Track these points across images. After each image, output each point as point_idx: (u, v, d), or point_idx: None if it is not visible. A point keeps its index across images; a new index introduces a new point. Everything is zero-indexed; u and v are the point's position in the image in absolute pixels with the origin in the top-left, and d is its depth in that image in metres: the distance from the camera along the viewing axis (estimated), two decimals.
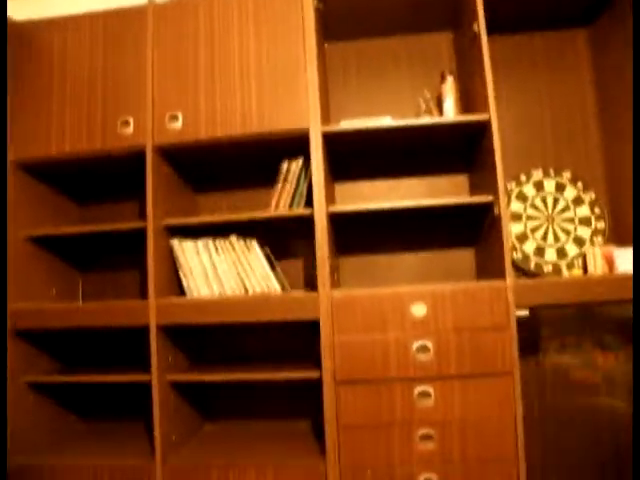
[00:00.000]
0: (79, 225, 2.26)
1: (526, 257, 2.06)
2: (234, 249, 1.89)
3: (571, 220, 2.08)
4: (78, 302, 2.25)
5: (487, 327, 1.62)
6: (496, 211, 1.70)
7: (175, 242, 1.89)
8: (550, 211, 2.09)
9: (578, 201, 2.08)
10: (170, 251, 1.91)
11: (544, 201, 2.10)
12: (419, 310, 1.64)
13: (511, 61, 2.18)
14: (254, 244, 1.91)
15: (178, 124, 1.81)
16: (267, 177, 2.20)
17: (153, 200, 1.80)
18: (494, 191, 1.71)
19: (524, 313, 1.64)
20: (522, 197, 2.10)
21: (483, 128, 1.79)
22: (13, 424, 1.79)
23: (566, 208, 2.09)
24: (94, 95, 1.88)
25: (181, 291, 1.93)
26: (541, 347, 2.03)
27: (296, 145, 1.88)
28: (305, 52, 1.80)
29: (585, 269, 2.00)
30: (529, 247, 2.07)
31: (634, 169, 1.79)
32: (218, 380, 1.83)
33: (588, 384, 2.01)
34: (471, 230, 2.09)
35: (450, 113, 1.92)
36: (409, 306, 1.65)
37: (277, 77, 1.80)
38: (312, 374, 1.71)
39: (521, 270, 2.06)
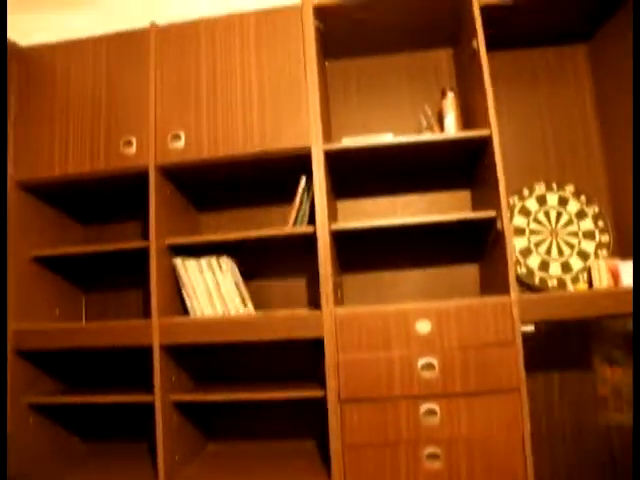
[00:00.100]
0: (82, 245, 2.26)
1: (530, 272, 2.05)
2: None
3: (575, 234, 2.07)
4: (81, 322, 2.25)
5: (492, 343, 1.61)
6: (499, 226, 1.69)
7: (178, 261, 1.89)
8: (553, 225, 2.09)
9: (581, 214, 2.08)
10: (173, 270, 1.91)
11: (547, 215, 2.09)
12: (424, 327, 1.63)
13: (511, 76, 2.20)
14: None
15: (180, 144, 1.83)
16: (269, 196, 2.21)
17: (156, 219, 1.80)
18: (497, 206, 1.71)
19: (530, 328, 1.63)
20: (525, 212, 2.10)
21: (484, 143, 1.80)
22: (15, 445, 1.77)
23: (569, 222, 2.08)
24: (97, 116, 1.90)
25: (184, 310, 1.93)
26: (548, 363, 2.02)
27: (298, 163, 1.89)
28: (306, 71, 1.82)
29: (590, 283, 1.99)
30: (533, 262, 2.06)
31: (634, 180, 1.79)
32: (221, 400, 1.82)
33: (597, 399, 1.98)
34: (475, 246, 2.08)
35: (451, 129, 1.92)
36: (413, 323, 1.63)
37: (278, 96, 1.82)
38: (316, 393, 1.69)
39: (526, 285, 2.05)
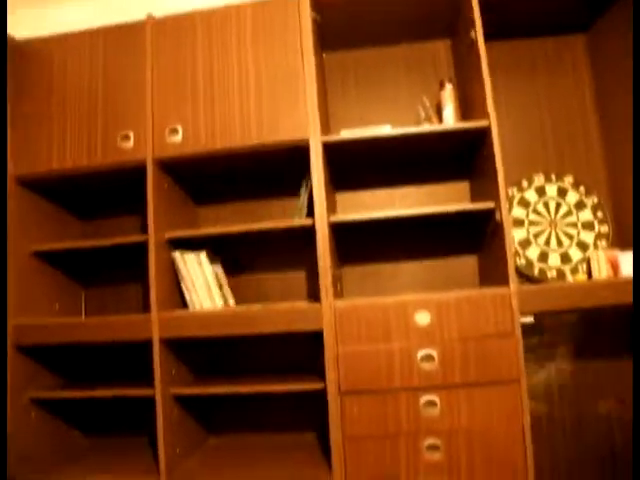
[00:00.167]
0: (81, 240, 2.26)
1: (530, 263, 2.05)
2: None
3: (574, 225, 2.07)
4: (81, 317, 2.25)
5: (492, 334, 1.61)
6: (498, 217, 1.69)
7: (177, 254, 1.89)
8: (552, 216, 2.08)
9: (580, 205, 2.07)
10: (172, 264, 1.91)
11: (546, 206, 2.09)
12: (423, 319, 1.63)
13: (510, 67, 2.19)
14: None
15: (178, 137, 1.82)
16: (268, 188, 2.21)
17: (154, 213, 1.80)
18: (495, 197, 1.70)
19: (529, 319, 1.63)
20: (524, 203, 2.09)
21: (483, 134, 1.79)
22: (16, 440, 1.78)
23: (569, 213, 2.08)
24: (94, 110, 1.89)
25: (184, 304, 1.93)
26: (548, 354, 2.02)
27: (296, 156, 1.88)
28: (303, 62, 1.81)
29: (589, 274, 1.99)
30: (532, 253, 2.06)
31: (634, 171, 1.78)
32: (222, 393, 1.82)
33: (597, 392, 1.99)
34: (473, 237, 2.08)
35: (450, 120, 1.92)
36: (413, 315, 1.63)
37: (276, 88, 1.81)
38: (316, 385, 1.69)
39: (525, 276, 2.05)
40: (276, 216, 2.18)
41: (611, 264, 1.86)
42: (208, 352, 2.16)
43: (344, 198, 2.18)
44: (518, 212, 2.09)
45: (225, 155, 1.85)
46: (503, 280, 1.67)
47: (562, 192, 2.09)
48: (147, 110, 1.85)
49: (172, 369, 1.83)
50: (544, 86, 2.17)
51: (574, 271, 2.03)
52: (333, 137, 1.79)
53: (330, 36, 2.13)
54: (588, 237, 2.05)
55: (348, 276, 2.14)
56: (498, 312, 1.61)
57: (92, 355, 2.24)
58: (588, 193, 2.07)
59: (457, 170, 2.14)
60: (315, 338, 1.75)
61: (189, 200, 2.17)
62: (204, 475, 1.72)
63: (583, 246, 2.04)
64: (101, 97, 1.90)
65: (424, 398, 1.60)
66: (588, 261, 2.02)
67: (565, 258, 2.05)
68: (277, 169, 2.10)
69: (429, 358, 1.61)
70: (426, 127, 1.77)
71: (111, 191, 2.22)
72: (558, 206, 2.08)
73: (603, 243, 2.03)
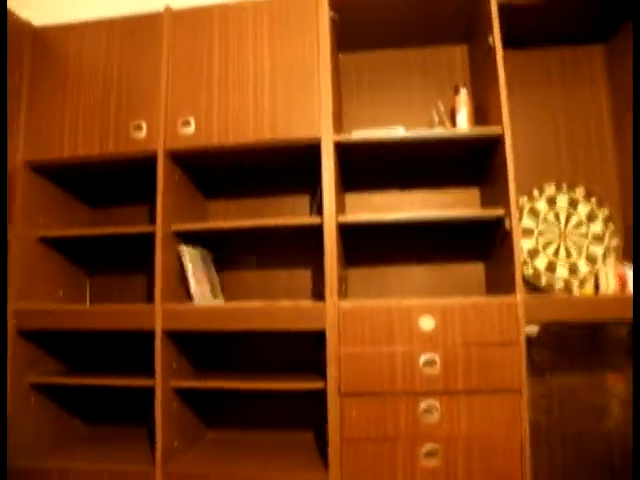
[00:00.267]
0: (90, 227, 2.26)
1: (537, 273, 2.03)
2: None
3: (584, 236, 2.05)
4: (85, 304, 2.25)
5: (496, 343, 1.60)
6: (507, 225, 1.68)
7: (183, 247, 1.89)
8: (563, 227, 2.07)
9: (591, 217, 2.06)
10: (178, 256, 1.91)
11: (557, 217, 2.08)
12: (427, 323, 1.62)
13: (526, 75, 2.17)
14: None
15: (190, 129, 1.82)
16: (278, 185, 2.20)
17: (163, 205, 1.80)
18: (506, 205, 1.69)
19: (534, 329, 1.62)
20: (534, 212, 2.08)
21: (496, 141, 1.78)
22: (15, 425, 1.78)
23: (579, 224, 2.06)
24: (108, 99, 1.90)
25: (189, 297, 1.93)
26: (550, 366, 2.00)
27: (308, 154, 1.88)
28: (319, 61, 1.80)
29: (597, 287, 1.97)
30: (540, 263, 2.04)
31: (634, 184, 1.77)
32: (221, 387, 1.81)
33: (597, 405, 1.97)
34: (482, 244, 2.07)
35: (463, 126, 1.90)
36: (417, 319, 1.62)
37: (291, 86, 1.80)
38: (317, 385, 1.69)
39: (532, 286, 2.03)
40: (285, 214, 2.18)
41: (619, 279, 1.85)
42: (210, 346, 2.16)
43: (353, 199, 2.17)
44: (528, 221, 2.07)
45: (237, 150, 1.85)
46: (510, 289, 1.66)
47: (573, 203, 2.07)
48: (161, 101, 1.85)
49: (173, 362, 1.83)
50: (560, 96, 2.15)
51: (582, 283, 2.01)
52: (345, 137, 1.79)
53: (347, 36, 2.12)
54: (598, 250, 2.03)
55: (353, 277, 2.14)
56: (503, 320, 1.60)
57: (95, 343, 2.24)
58: (600, 205, 2.05)
59: (468, 176, 2.12)
60: (318, 337, 1.75)
61: (199, 193, 2.17)
62: (199, 468, 1.72)
63: (592, 259, 2.03)
64: (115, 86, 1.90)
65: (424, 403, 1.59)
66: (596, 274, 2.00)
67: (573, 270, 2.03)
68: (288, 166, 2.10)
69: (431, 363, 1.60)
70: (439, 131, 1.76)
71: (122, 180, 2.22)
72: (569, 217, 2.07)
73: (613, 257, 2.01)
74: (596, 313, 1.60)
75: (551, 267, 2.04)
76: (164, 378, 1.75)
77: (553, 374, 2.00)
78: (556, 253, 2.05)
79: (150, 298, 2.21)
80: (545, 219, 2.07)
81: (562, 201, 2.08)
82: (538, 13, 1.93)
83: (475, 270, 2.08)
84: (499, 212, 1.71)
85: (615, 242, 2.02)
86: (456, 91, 1.96)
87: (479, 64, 2.00)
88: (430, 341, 1.61)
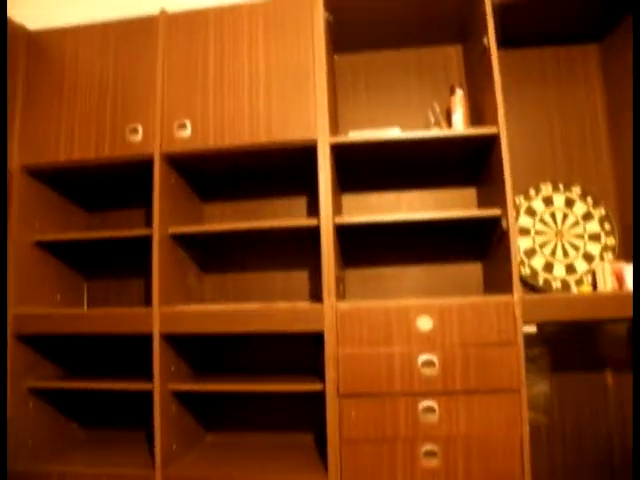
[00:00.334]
0: (86, 231, 2.26)
1: (534, 272, 2.04)
2: None
3: (580, 236, 2.05)
4: (83, 308, 2.25)
5: (494, 342, 1.60)
6: (504, 225, 1.68)
7: None
8: (559, 226, 2.07)
9: (588, 217, 2.06)
10: (175, 259, 1.90)
11: (553, 216, 2.08)
12: (425, 324, 1.62)
13: (521, 75, 2.18)
14: None
15: (186, 132, 1.82)
16: (274, 187, 2.20)
17: (160, 208, 1.80)
18: (502, 205, 1.69)
19: (532, 329, 1.62)
20: (531, 212, 2.08)
21: (492, 141, 1.78)
22: (14, 429, 1.77)
23: (576, 223, 2.07)
24: (104, 103, 1.89)
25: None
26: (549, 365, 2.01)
27: (304, 155, 1.88)
28: (314, 63, 1.80)
29: (594, 286, 1.98)
30: (537, 262, 2.05)
31: (634, 183, 1.78)
32: (219, 390, 1.81)
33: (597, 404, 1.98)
34: (479, 244, 2.07)
35: (459, 126, 1.91)
36: (415, 319, 1.63)
37: (286, 87, 1.80)
38: (315, 387, 1.69)
39: (529, 285, 2.04)
40: (281, 215, 2.18)
41: (616, 277, 1.85)
42: (208, 349, 2.16)
43: (350, 200, 2.17)
44: (525, 221, 2.08)
45: (233, 152, 1.85)
46: (507, 288, 1.66)
47: (569, 202, 2.08)
48: (157, 104, 1.85)
49: (171, 365, 1.83)
50: (555, 95, 2.16)
51: (579, 282, 2.02)
52: (341, 138, 1.79)
53: (342, 38, 2.12)
54: (594, 249, 2.03)
55: (351, 278, 2.14)
56: (501, 320, 1.60)
57: (93, 347, 2.24)
58: (596, 204, 2.06)
59: (464, 176, 2.13)
60: (316, 339, 1.75)
61: (195, 196, 2.17)
62: (199, 472, 1.71)
63: (589, 258, 2.03)
64: (111, 90, 1.90)
65: (423, 404, 1.59)
66: (593, 273, 2.01)
67: (570, 269, 2.03)
68: (284, 168, 2.10)
69: (430, 364, 1.60)
70: (435, 131, 1.77)
71: (118, 183, 2.22)
72: (565, 216, 2.07)
73: (609, 255, 2.02)
74: (594, 311, 1.60)
75: (548, 266, 2.04)
76: (162, 381, 1.75)
77: (552, 373, 2.01)
78: (553, 252, 2.05)
79: (147, 301, 2.21)
80: (542, 219, 2.08)
81: (558, 201, 2.08)
82: (533, 12, 1.94)
83: (472, 270, 2.08)
84: (496, 212, 1.71)
85: (611, 241, 2.03)
86: (452, 91, 1.96)
87: (474, 64, 2.01)
88: (428, 341, 1.61)
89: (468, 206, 2.11)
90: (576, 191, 2.08)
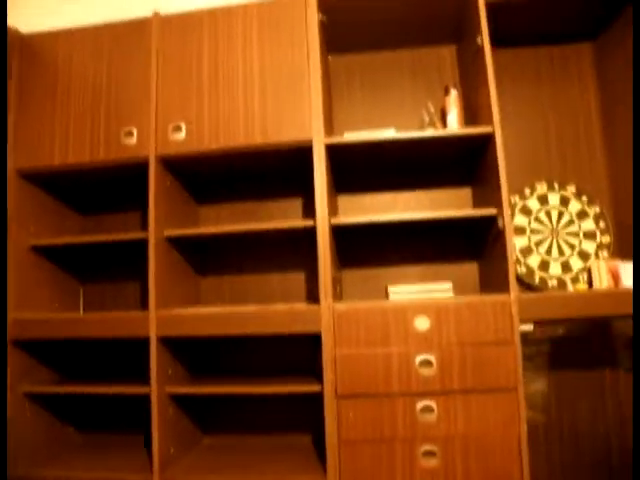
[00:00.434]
0: (81, 235, 2.25)
1: (530, 271, 2.04)
2: None
3: (576, 234, 2.06)
4: (79, 312, 2.24)
5: (491, 341, 1.60)
6: (500, 224, 1.68)
7: None
8: (554, 225, 2.08)
9: (583, 215, 2.07)
10: (171, 262, 1.90)
11: (548, 215, 2.09)
12: (422, 324, 1.62)
13: (515, 74, 2.19)
14: None
15: (181, 135, 1.81)
16: (270, 189, 2.20)
17: (155, 211, 1.79)
18: (498, 204, 1.70)
19: (528, 328, 1.62)
20: (526, 211, 2.09)
21: (487, 141, 1.79)
22: (11, 434, 1.77)
23: (570, 222, 2.07)
24: (98, 105, 1.89)
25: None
26: (548, 363, 2.01)
27: (299, 157, 1.88)
28: (309, 64, 1.80)
29: (590, 283, 1.98)
30: (533, 261, 2.05)
31: (634, 181, 1.78)
32: (216, 393, 1.80)
33: (595, 403, 1.98)
34: (475, 243, 2.08)
35: (454, 126, 1.91)
36: (412, 319, 1.63)
37: (281, 89, 1.80)
38: (313, 388, 1.68)
39: (525, 284, 2.04)
40: (277, 217, 2.17)
41: (612, 274, 1.86)
42: (205, 351, 2.15)
43: (346, 200, 2.17)
44: (520, 220, 2.08)
45: (228, 154, 1.85)
46: (503, 287, 1.67)
47: (564, 201, 2.08)
48: (151, 107, 1.84)
49: (169, 368, 1.82)
50: (549, 94, 2.17)
51: (575, 280, 2.02)
52: (336, 139, 1.79)
53: (336, 38, 2.12)
54: (590, 247, 2.04)
55: (348, 279, 2.13)
56: (498, 319, 1.60)
57: (89, 351, 2.23)
58: (590, 202, 2.07)
59: (460, 176, 2.13)
60: (313, 340, 1.75)
61: (191, 199, 2.16)
62: (197, 475, 1.70)
63: (584, 256, 2.04)
64: (105, 93, 1.89)
65: (421, 404, 1.59)
66: (589, 271, 2.01)
67: (566, 267, 2.04)
68: (279, 170, 2.09)
69: (427, 363, 1.60)
70: (430, 132, 1.77)
71: (113, 187, 2.21)
72: (560, 215, 2.08)
73: (604, 253, 2.02)
74: (590, 309, 1.60)
75: (544, 265, 2.05)
76: (159, 384, 1.74)
77: (550, 371, 2.01)
78: (549, 251, 2.06)
79: (144, 305, 2.20)
80: (537, 217, 2.08)
81: (553, 199, 2.09)
82: (526, 11, 1.94)
83: (469, 269, 2.08)
84: (492, 211, 1.72)
85: (606, 239, 2.03)
86: (446, 92, 1.97)
87: (468, 64, 2.01)
88: (425, 341, 1.61)
89: (463, 206, 2.12)
90: (571, 189, 2.09)
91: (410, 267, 2.11)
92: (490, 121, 1.72)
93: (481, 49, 1.77)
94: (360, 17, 1.98)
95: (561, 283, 2.02)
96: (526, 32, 2.10)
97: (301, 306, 1.75)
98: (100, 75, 1.91)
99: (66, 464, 1.84)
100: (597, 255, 2.03)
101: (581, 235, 2.06)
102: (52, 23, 2.38)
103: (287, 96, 1.80)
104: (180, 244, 1.98)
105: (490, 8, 1.83)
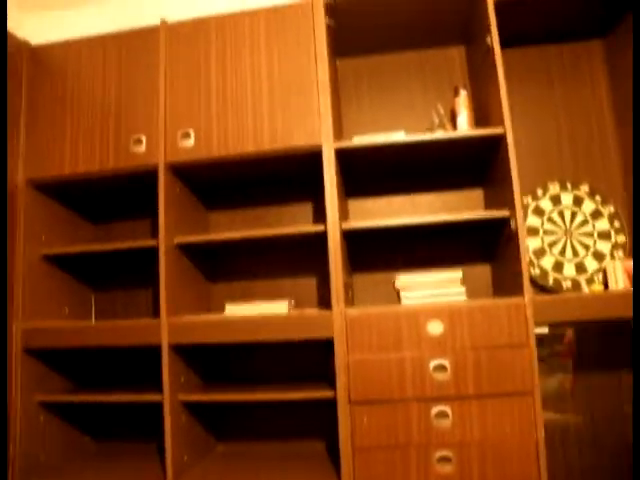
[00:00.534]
0: (92, 244, 2.26)
1: (544, 273, 2.01)
2: None
3: (590, 234, 2.03)
4: (90, 321, 2.24)
5: (505, 345, 1.58)
6: (512, 226, 1.66)
7: None
8: (568, 225, 2.05)
9: (596, 215, 2.04)
10: (182, 269, 1.90)
11: (562, 215, 2.06)
12: (435, 328, 1.60)
13: (525, 74, 2.16)
14: None
15: (190, 142, 1.81)
16: (280, 194, 2.20)
17: (165, 218, 1.79)
18: (510, 206, 1.68)
19: (543, 330, 1.60)
20: (539, 211, 2.06)
21: (498, 142, 1.77)
22: (25, 443, 1.77)
23: (584, 222, 2.04)
24: (107, 114, 1.89)
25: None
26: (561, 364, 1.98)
27: (309, 162, 1.87)
28: (317, 68, 1.80)
29: (606, 284, 1.95)
30: (547, 262, 2.02)
31: (634, 182, 1.75)
32: (229, 400, 1.80)
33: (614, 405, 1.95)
34: (487, 246, 2.05)
35: (464, 127, 1.90)
36: (425, 324, 1.61)
37: (289, 94, 1.80)
38: (326, 394, 1.67)
39: (539, 286, 2.01)
40: (287, 223, 2.17)
41: (628, 275, 1.83)
42: (217, 358, 2.15)
43: (356, 204, 2.16)
44: (533, 221, 2.06)
45: (237, 161, 1.84)
46: (517, 290, 1.64)
47: (578, 201, 2.05)
48: (160, 114, 1.85)
49: (181, 375, 1.82)
50: (560, 93, 2.14)
51: (590, 282, 1.99)
52: (346, 143, 1.78)
53: (344, 42, 2.12)
54: (604, 247, 2.01)
55: (359, 284, 2.12)
56: (512, 322, 1.58)
57: (102, 359, 2.23)
58: (604, 202, 2.04)
59: (471, 178, 2.11)
60: (325, 345, 1.74)
61: (200, 205, 2.16)
62: None
63: (599, 256, 2.01)
64: (114, 101, 1.90)
65: (436, 409, 1.57)
66: (604, 271, 1.98)
67: (580, 268, 2.01)
68: (289, 175, 2.09)
69: (441, 368, 1.58)
70: (440, 134, 1.75)
71: (123, 195, 2.22)
72: (574, 215, 2.05)
73: (620, 253, 1.99)
74: (607, 310, 1.58)
75: (558, 266, 2.02)
76: (172, 392, 1.74)
77: (565, 372, 1.98)
78: (562, 252, 2.03)
79: (155, 312, 2.21)
80: (550, 218, 2.06)
81: (566, 199, 2.06)
82: (535, 10, 1.92)
83: (482, 272, 2.06)
84: (504, 213, 1.69)
85: (622, 239, 2.00)
86: (456, 93, 1.95)
87: (478, 65, 1.99)
88: (439, 346, 1.60)
89: (475, 208, 2.09)
90: (584, 189, 2.06)
91: (422, 271, 2.09)
92: (501, 122, 1.70)
93: (491, 49, 1.75)
94: (367, 20, 1.98)
95: (575, 284, 1.99)
96: (535, 31, 2.08)
97: (313, 312, 1.74)
98: (109, 84, 1.92)
99: (82, 473, 1.84)
100: (612, 255, 2.00)
101: (595, 235, 2.03)
102: (61, 34, 2.40)
103: (295, 101, 1.79)
104: (190, 250, 1.98)
105: (499, 7, 1.81)
